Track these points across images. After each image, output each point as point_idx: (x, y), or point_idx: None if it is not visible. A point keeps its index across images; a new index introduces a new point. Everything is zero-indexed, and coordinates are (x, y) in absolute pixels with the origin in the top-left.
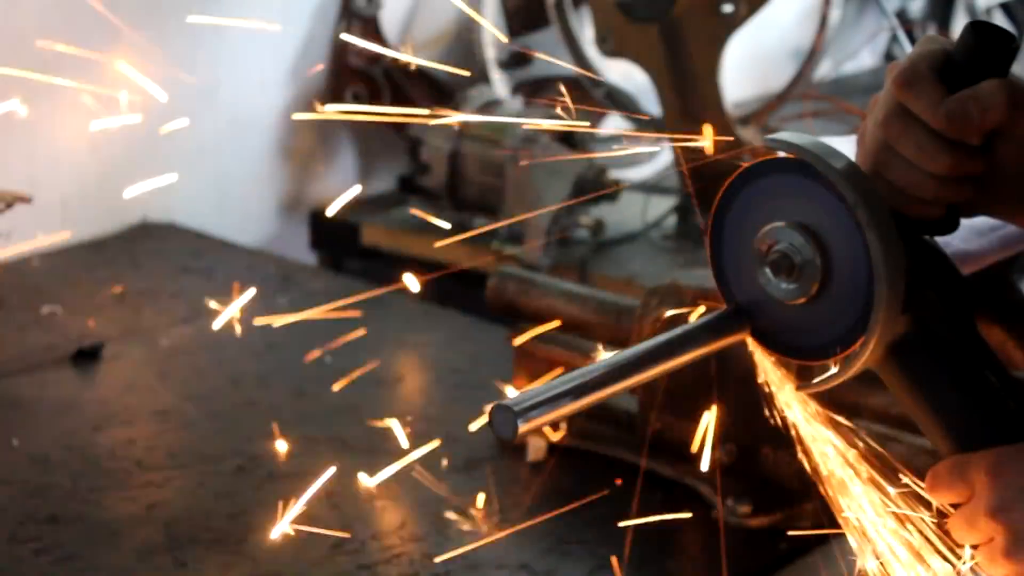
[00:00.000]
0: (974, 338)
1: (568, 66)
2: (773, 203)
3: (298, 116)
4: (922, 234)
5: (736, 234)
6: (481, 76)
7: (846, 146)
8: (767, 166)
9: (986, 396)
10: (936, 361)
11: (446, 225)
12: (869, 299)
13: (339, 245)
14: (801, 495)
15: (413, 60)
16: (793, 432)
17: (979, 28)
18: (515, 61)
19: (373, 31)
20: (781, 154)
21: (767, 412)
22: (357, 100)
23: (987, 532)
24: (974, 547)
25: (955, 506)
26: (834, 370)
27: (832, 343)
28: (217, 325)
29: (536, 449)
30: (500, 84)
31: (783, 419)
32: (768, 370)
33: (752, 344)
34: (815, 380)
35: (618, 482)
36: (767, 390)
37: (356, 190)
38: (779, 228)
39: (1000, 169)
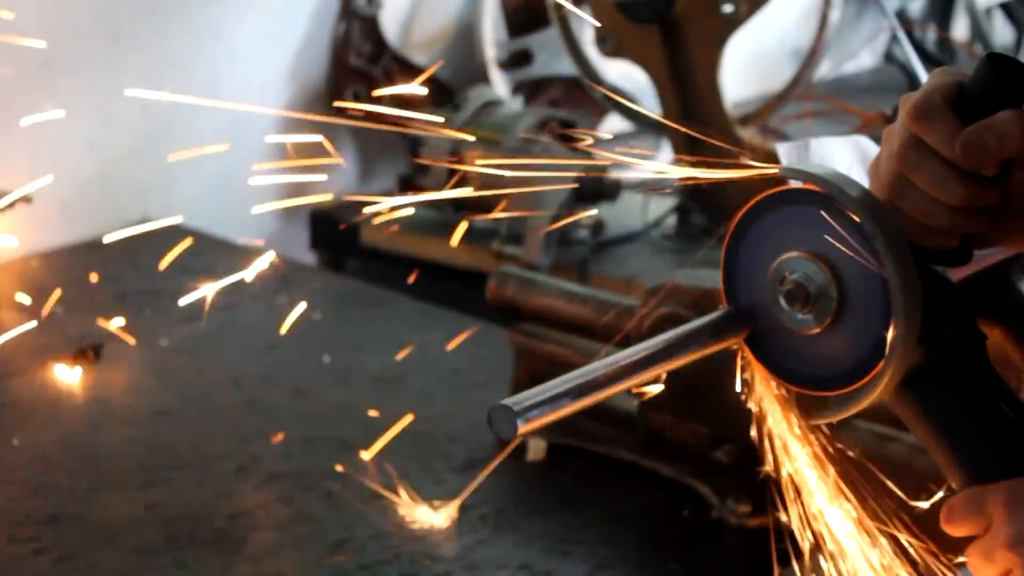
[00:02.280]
0: (987, 369)
1: (569, 65)
2: (789, 233)
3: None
4: (934, 264)
5: (750, 263)
6: (481, 76)
7: (845, 146)
8: (784, 196)
9: (1001, 427)
10: (951, 392)
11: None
12: (885, 330)
13: (339, 245)
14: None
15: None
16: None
17: (994, 60)
18: (515, 61)
19: (373, 31)
20: (794, 184)
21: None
22: (357, 100)
23: (1004, 565)
24: None
25: (972, 539)
26: (845, 401)
27: (845, 374)
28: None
29: (536, 449)
30: (500, 84)
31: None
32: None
33: (759, 375)
34: (825, 412)
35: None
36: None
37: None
38: (795, 258)
39: (1014, 200)
